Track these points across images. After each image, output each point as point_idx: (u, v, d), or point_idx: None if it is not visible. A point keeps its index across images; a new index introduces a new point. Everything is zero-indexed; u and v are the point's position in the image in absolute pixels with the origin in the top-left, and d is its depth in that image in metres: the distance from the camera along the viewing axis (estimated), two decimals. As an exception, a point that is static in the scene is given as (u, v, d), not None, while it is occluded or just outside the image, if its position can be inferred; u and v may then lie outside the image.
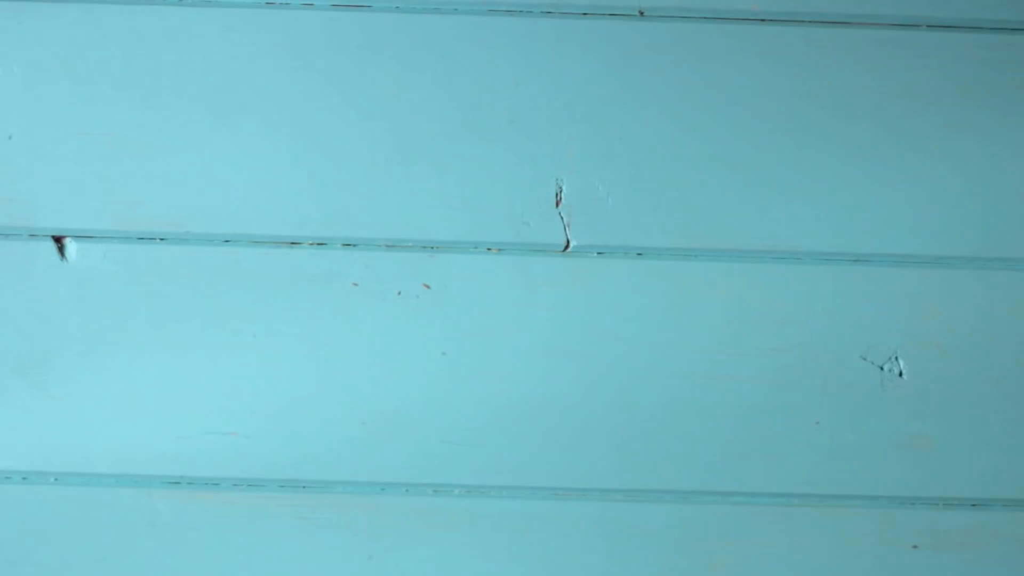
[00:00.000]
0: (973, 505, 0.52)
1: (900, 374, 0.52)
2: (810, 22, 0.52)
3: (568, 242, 0.51)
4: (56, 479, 0.51)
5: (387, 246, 0.51)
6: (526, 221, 0.51)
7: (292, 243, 0.51)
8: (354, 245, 0.50)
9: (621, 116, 0.51)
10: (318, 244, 0.51)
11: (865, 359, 0.52)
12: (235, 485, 0.51)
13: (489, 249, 0.51)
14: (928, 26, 0.52)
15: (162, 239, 0.51)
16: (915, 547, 0.51)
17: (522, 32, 0.52)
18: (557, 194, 0.51)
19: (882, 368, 0.52)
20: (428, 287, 0.50)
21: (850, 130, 0.52)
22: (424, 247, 0.51)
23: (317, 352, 0.51)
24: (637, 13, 0.52)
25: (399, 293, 0.50)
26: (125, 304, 0.51)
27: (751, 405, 0.52)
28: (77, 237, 0.51)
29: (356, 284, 0.50)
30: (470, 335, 0.51)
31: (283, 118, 0.51)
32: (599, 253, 0.51)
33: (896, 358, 0.52)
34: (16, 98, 0.51)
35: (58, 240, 0.51)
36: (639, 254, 0.51)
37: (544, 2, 0.52)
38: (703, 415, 0.51)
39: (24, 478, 0.51)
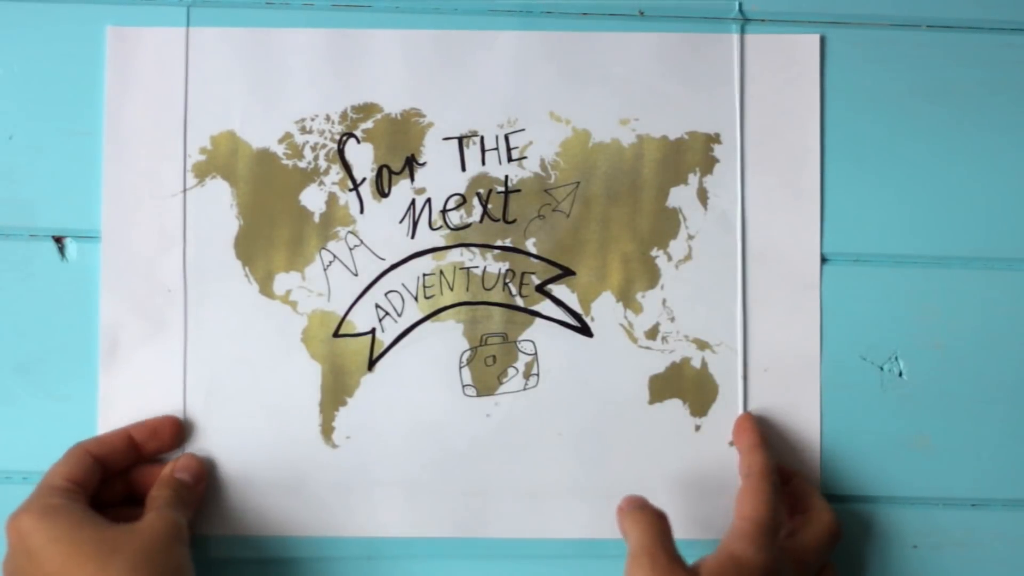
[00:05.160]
0: (973, 505, 0.52)
1: (900, 374, 0.52)
2: (811, 22, 0.52)
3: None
4: (56, 479, 0.51)
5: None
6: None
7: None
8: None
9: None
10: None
11: (865, 359, 0.52)
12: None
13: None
14: (928, 26, 0.52)
15: (162, 239, 0.51)
16: (915, 547, 0.51)
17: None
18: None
19: (882, 368, 0.52)
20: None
21: (849, 130, 0.52)
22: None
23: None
24: (637, 13, 0.52)
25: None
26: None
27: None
28: (77, 237, 0.51)
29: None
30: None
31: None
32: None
33: (896, 358, 0.52)
34: (16, 98, 0.51)
35: (58, 240, 0.51)
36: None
37: (544, 2, 0.52)
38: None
39: (24, 478, 0.51)
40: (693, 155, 0.52)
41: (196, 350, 0.51)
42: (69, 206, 0.51)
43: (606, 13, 0.52)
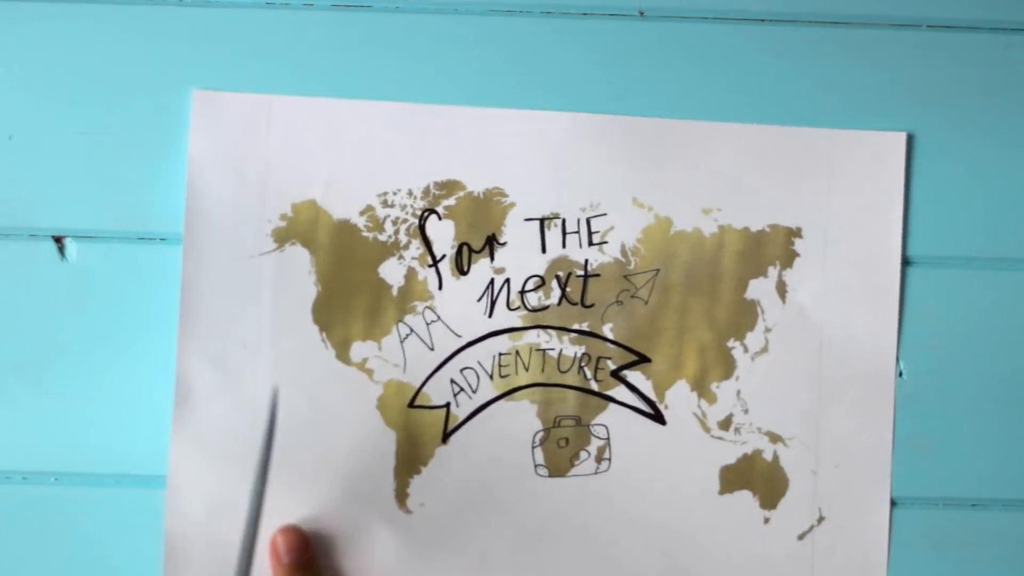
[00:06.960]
0: (973, 505, 0.52)
1: (900, 374, 0.52)
2: (810, 22, 0.52)
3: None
4: (56, 479, 0.51)
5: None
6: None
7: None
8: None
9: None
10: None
11: (865, 359, 0.52)
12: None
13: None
14: (928, 26, 0.52)
15: (162, 239, 0.51)
16: (915, 547, 0.52)
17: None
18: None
19: (882, 368, 0.52)
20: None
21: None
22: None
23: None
24: (637, 13, 0.52)
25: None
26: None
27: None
28: (77, 237, 0.51)
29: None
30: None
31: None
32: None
33: (896, 358, 0.52)
34: (16, 98, 0.51)
35: (58, 240, 0.51)
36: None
37: (544, 2, 0.52)
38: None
39: (24, 478, 0.51)
40: (774, 248, 0.52)
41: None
42: (69, 206, 0.51)
43: (606, 13, 0.52)
